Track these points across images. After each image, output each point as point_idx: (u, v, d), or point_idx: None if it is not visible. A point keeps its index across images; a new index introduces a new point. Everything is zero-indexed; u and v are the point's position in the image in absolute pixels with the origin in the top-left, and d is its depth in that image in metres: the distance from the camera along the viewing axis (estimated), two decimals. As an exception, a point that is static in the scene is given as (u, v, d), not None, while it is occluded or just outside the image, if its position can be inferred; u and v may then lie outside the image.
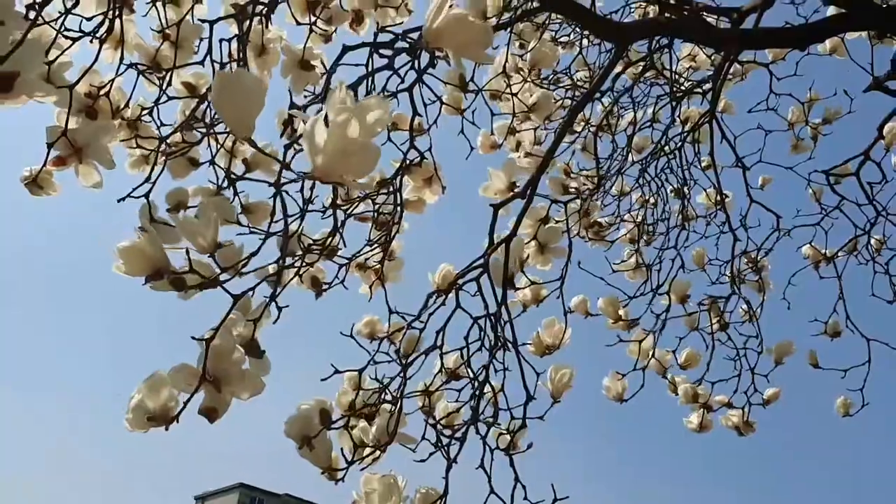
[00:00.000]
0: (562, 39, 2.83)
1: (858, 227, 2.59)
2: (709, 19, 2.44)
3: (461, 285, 1.73)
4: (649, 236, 2.86)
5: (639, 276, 2.68)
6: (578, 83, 2.86)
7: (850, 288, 2.61)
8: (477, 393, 1.69)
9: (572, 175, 2.74)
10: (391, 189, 1.93)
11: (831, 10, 2.18)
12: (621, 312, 2.43)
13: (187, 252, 1.00)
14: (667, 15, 2.20)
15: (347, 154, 0.72)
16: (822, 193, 2.66)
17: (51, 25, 1.45)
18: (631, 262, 2.73)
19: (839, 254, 2.66)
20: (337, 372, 1.54)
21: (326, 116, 0.73)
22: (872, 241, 2.63)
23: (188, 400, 0.99)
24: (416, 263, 2.11)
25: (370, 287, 1.99)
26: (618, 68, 2.60)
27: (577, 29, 2.72)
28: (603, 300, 2.42)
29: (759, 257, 2.66)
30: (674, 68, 2.67)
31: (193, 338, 1.01)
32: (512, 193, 1.99)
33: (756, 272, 2.66)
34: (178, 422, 0.98)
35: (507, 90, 2.32)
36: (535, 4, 2.16)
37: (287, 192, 1.59)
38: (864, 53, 2.29)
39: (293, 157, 1.36)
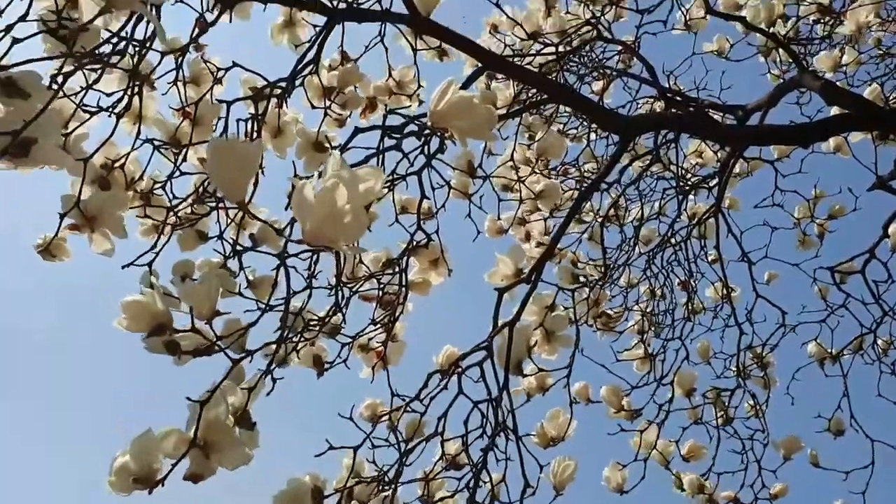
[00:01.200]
0: (569, 132, 2.89)
1: (864, 325, 2.58)
2: (714, 116, 2.50)
3: (464, 369, 1.72)
4: (656, 327, 2.85)
5: (645, 366, 2.66)
6: (586, 174, 2.91)
7: (856, 387, 2.58)
8: (474, 479, 1.66)
9: (580, 264, 2.76)
10: (397, 269, 1.94)
11: (834, 111, 2.23)
12: (624, 402, 2.40)
13: (191, 310, 1.01)
14: (673, 110, 2.25)
15: (336, 218, 0.74)
16: (828, 291, 2.66)
17: (71, 99, 1.50)
18: (637, 352, 2.72)
19: (844, 352, 2.63)
20: (331, 448, 1.52)
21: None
22: (879, 342, 2.61)
23: (175, 464, 0.98)
24: (419, 346, 2.10)
25: (372, 368, 1.98)
26: (624, 161, 2.65)
27: (585, 122, 2.78)
28: (606, 388, 2.39)
29: (764, 353, 2.64)
30: (680, 163, 2.71)
31: (189, 399, 1.01)
32: (517, 279, 2.01)
33: (761, 368, 2.64)
34: (163, 485, 0.97)
35: (515, 178, 2.36)
36: (544, 96, 2.22)
37: (294, 268, 1.62)
38: (868, 153, 2.33)
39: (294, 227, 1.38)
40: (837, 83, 2.33)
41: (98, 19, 1.13)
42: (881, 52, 2.60)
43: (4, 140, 0.97)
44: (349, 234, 0.76)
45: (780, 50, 2.46)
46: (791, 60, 2.33)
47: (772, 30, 2.40)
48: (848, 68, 2.51)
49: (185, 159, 1.81)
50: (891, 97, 2.47)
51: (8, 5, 1.31)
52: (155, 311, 1.03)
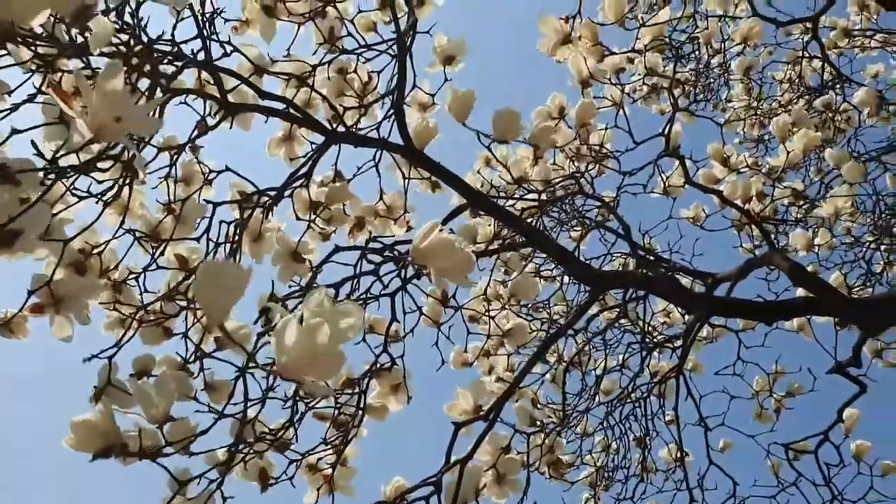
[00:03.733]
0: (544, 273, 2.94)
1: (814, 507, 2.56)
2: (684, 280, 2.57)
3: (410, 502, 1.69)
4: (608, 481, 2.83)
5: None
6: (555, 316, 2.94)
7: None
8: None
9: (539, 406, 2.75)
10: (356, 390, 1.93)
11: (800, 292, 2.30)
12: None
13: (140, 433, 1.00)
14: (643, 271, 2.31)
15: (313, 357, 0.75)
16: (781, 467, 2.66)
17: (62, 182, 1.52)
18: (587, 507, 2.69)
19: (793, 532, 2.61)
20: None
21: (301, 316, 0.76)
22: (828, 525, 2.59)
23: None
24: (367, 471, 2.06)
25: (318, 490, 1.93)
26: (593, 310, 2.69)
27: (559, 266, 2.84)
28: (551, 542, 2.34)
29: (712, 522, 2.61)
30: (647, 319, 2.76)
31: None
32: (476, 415, 2.00)
33: (709, 537, 2.60)
34: None
35: (486, 313, 2.39)
36: (523, 239, 2.27)
37: (252, 375, 1.61)
38: (830, 336, 2.40)
39: (262, 346, 1.38)
40: (807, 266, 2.41)
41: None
42: (851, 239, 2.72)
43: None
44: (323, 374, 0.77)
45: (754, 226, 2.56)
46: (763, 238, 2.42)
47: (747, 206, 2.50)
48: (820, 250, 2.61)
49: (162, 253, 1.83)
50: (854, 286, 2.56)
51: (18, 87, 1.35)
52: (104, 432, 1.02)
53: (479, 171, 2.50)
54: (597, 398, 2.85)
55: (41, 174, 1.19)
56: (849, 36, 3.20)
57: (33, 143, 1.02)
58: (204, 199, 1.89)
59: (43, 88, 1.27)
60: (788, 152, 2.46)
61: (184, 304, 1.75)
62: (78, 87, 1.13)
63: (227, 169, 1.92)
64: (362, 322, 0.76)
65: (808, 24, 3.15)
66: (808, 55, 3.33)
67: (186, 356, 1.71)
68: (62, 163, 1.39)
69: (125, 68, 1.44)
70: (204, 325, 1.80)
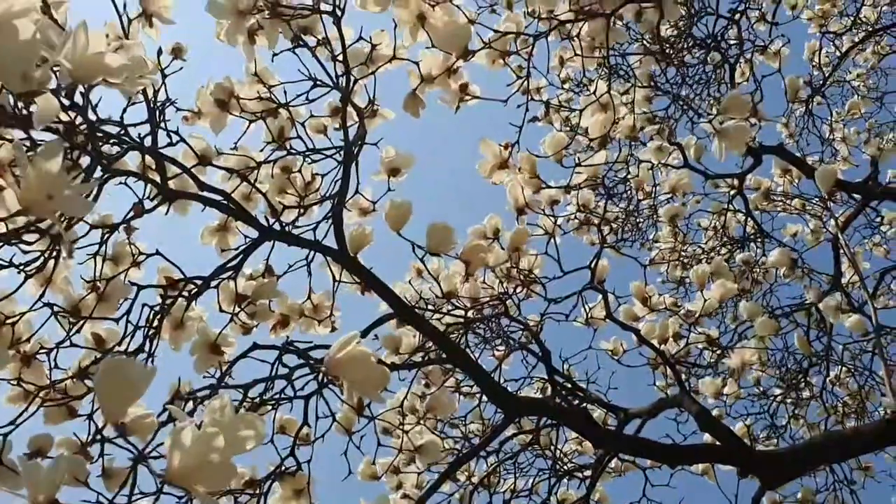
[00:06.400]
0: (464, 389, 2.95)
1: None
2: (597, 412, 2.61)
3: None
4: None
5: None
6: (470, 434, 2.94)
7: None
8: None
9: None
10: (257, 491, 1.88)
11: (707, 438, 2.36)
12: None
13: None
14: (558, 400, 2.35)
15: (204, 467, 0.75)
16: None
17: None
18: None
19: None
20: None
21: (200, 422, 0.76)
22: None
23: None
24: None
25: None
26: (508, 431, 2.70)
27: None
28: None
29: None
30: (560, 446, 2.78)
31: None
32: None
33: None
34: None
35: (400, 426, 2.38)
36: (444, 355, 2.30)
37: (147, 468, 1.56)
38: (732, 483, 2.45)
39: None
40: (715, 411, 2.48)
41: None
42: (759, 391, 2.82)
43: None
44: (212, 485, 0.77)
45: (668, 367, 2.63)
46: (675, 379, 2.49)
47: (663, 347, 2.58)
48: (728, 399, 2.70)
49: (78, 331, 1.80)
50: (758, 437, 2.64)
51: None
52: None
53: (409, 282, 2.54)
54: (502, 523, 2.82)
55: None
56: (768, 198, 3.42)
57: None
58: (129, 281, 1.88)
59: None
60: (705, 300, 2.57)
61: (92, 384, 1.72)
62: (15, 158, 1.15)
63: (157, 253, 1.93)
64: (264, 433, 0.76)
65: (735, 181, 3.36)
66: (733, 209, 3.53)
67: (86, 439, 1.66)
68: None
69: (67, 145, 1.45)
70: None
